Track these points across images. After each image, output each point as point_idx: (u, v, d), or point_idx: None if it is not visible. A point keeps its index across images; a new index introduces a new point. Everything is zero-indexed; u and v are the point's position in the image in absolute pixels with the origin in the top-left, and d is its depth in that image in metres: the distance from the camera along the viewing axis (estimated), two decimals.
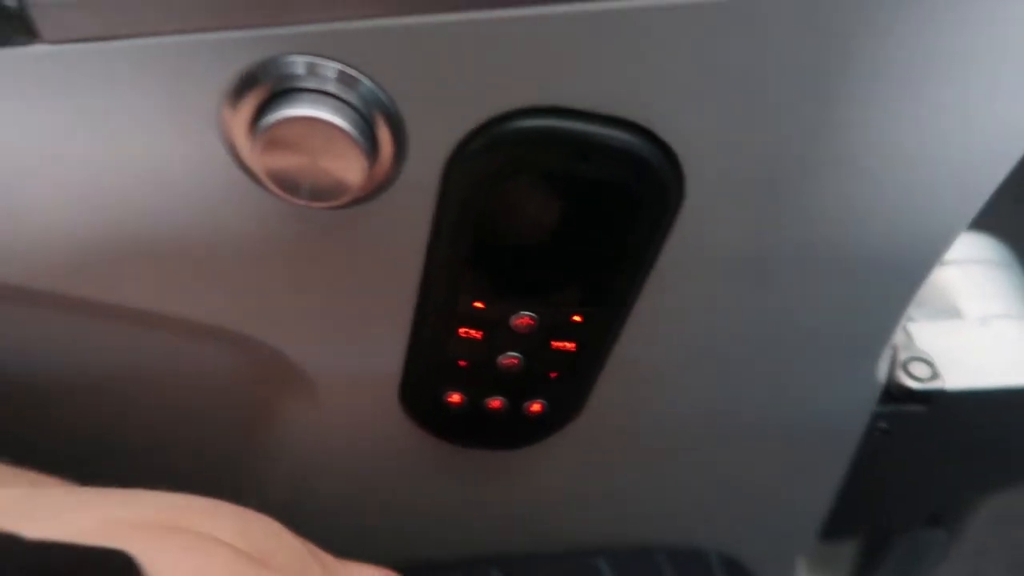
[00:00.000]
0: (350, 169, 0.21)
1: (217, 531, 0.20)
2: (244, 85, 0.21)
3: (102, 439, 0.32)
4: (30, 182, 0.22)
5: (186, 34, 0.20)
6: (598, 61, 0.21)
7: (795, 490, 0.37)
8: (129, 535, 0.18)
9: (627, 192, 0.23)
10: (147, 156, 0.22)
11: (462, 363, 0.29)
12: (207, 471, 0.30)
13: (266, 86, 0.20)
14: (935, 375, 0.33)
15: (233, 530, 0.20)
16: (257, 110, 0.21)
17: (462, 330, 0.27)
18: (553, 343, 0.28)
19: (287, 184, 0.21)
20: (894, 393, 0.33)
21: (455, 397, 0.30)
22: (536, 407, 0.31)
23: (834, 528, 0.40)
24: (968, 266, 0.40)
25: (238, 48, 0.20)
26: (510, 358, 0.28)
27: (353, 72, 0.20)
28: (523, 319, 0.27)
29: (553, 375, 0.29)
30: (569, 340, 0.28)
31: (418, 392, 0.30)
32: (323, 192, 0.22)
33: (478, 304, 0.27)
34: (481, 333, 0.28)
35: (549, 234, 0.25)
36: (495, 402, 0.30)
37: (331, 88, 0.21)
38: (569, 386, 0.30)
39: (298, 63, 0.20)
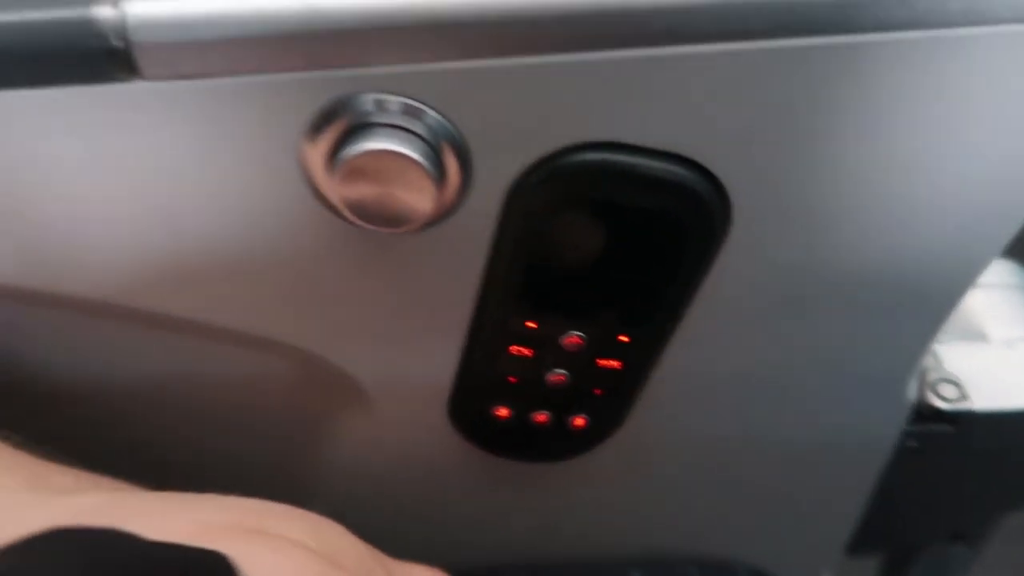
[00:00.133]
0: (421, 198, 0.22)
1: (292, 533, 0.21)
2: (323, 121, 0.22)
3: (160, 446, 0.34)
4: (120, 205, 0.24)
5: (273, 73, 0.21)
6: (653, 101, 0.22)
7: (824, 506, 0.38)
8: (220, 537, 0.19)
9: (676, 222, 0.25)
10: (230, 184, 0.23)
11: (512, 379, 0.30)
12: (259, 479, 0.31)
13: (344, 121, 0.22)
14: (963, 396, 0.34)
15: (306, 532, 0.22)
16: (335, 144, 0.22)
17: (514, 348, 0.29)
18: (599, 361, 0.29)
19: (361, 212, 0.23)
20: (923, 413, 0.34)
21: (503, 411, 0.31)
22: (579, 421, 0.32)
23: (860, 543, 0.41)
24: (992, 290, 0.41)
25: (320, 87, 0.21)
26: (558, 375, 0.30)
27: (425, 108, 0.22)
28: (572, 338, 0.28)
29: (598, 392, 0.31)
30: (615, 359, 0.29)
31: (467, 405, 0.32)
32: (394, 219, 0.23)
33: (530, 324, 0.28)
34: (532, 351, 0.29)
35: (600, 260, 0.26)
36: (541, 416, 0.32)
37: (404, 123, 0.22)
38: (612, 402, 0.31)
39: (375, 100, 0.22)
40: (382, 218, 0.23)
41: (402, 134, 0.22)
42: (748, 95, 0.22)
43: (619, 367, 0.30)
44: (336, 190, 0.22)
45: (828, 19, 0.20)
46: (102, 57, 0.20)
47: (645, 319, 0.28)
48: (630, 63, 0.21)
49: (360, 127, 0.22)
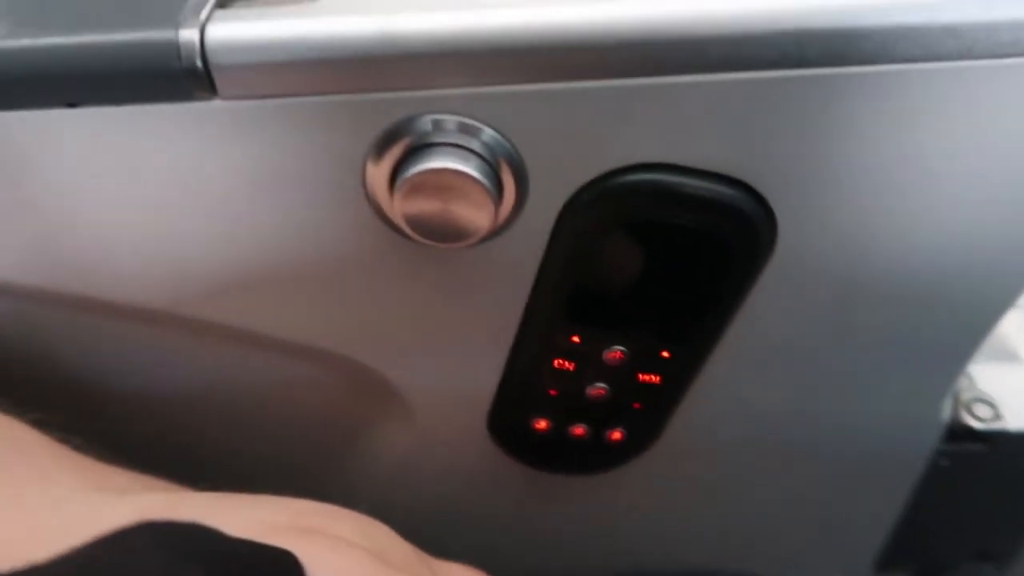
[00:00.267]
0: (479, 214, 0.23)
1: (344, 533, 0.22)
2: (387, 140, 0.23)
3: (204, 450, 0.34)
4: (190, 217, 0.24)
5: (340, 95, 0.22)
6: (704, 125, 0.23)
7: (855, 521, 0.39)
8: (281, 536, 0.20)
9: (723, 241, 0.25)
10: (295, 199, 0.24)
11: (553, 392, 0.31)
12: (301, 485, 0.32)
13: (406, 141, 0.23)
14: (997, 416, 0.35)
15: (356, 532, 0.22)
16: (397, 163, 0.23)
17: (557, 361, 0.29)
18: (640, 376, 0.30)
19: (421, 228, 0.24)
20: (957, 432, 0.35)
21: (542, 424, 0.32)
22: (617, 435, 0.33)
23: (889, 560, 0.42)
24: None
25: (385, 108, 0.22)
26: (598, 389, 0.30)
27: (486, 128, 0.23)
28: (614, 353, 0.29)
29: (637, 406, 0.31)
30: (655, 373, 0.30)
31: (507, 418, 0.32)
32: (453, 234, 0.24)
33: (574, 338, 0.29)
34: (574, 365, 0.30)
35: (645, 276, 0.27)
36: (579, 429, 0.32)
37: (464, 141, 0.23)
38: (650, 416, 0.32)
39: (437, 121, 0.23)
40: (441, 234, 0.24)
41: (462, 152, 0.23)
42: (797, 119, 0.23)
43: (659, 382, 0.30)
44: (397, 207, 0.23)
45: (878, 49, 0.21)
46: (184, 77, 0.21)
47: (687, 335, 0.29)
48: (683, 88, 0.22)
49: (421, 147, 0.23)
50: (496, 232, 0.25)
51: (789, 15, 0.21)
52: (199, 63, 0.21)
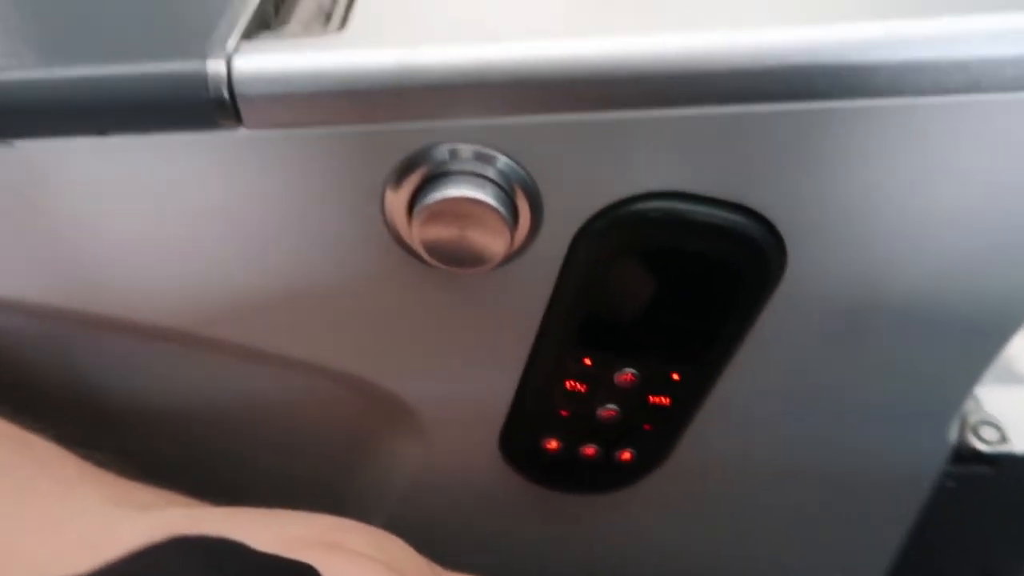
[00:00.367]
0: (495, 240, 0.24)
1: (361, 547, 0.22)
2: (405, 169, 0.23)
3: (223, 465, 0.35)
4: (214, 240, 0.25)
5: (363, 124, 0.23)
6: (716, 155, 0.23)
7: (861, 542, 0.39)
8: (303, 550, 0.21)
9: (733, 267, 0.26)
10: (315, 224, 0.25)
11: (564, 413, 0.31)
12: (314, 501, 0.32)
13: (423, 170, 0.23)
14: (1003, 439, 0.35)
15: (372, 546, 0.23)
16: (416, 189, 0.24)
17: (568, 383, 0.30)
18: (651, 397, 0.30)
19: (439, 254, 0.24)
20: (963, 454, 0.35)
21: (552, 444, 0.32)
22: (626, 455, 0.33)
23: None
24: None
25: (404, 138, 0.23)
26: (609, 410, 0.31)
27: (502, 157, 0.23)
28: (626, 375, 0.29)
29: (647, 427, 0.32)
30: (665, 395, 0.30)
31: (518, 437, 0.33)
32: (469, 260, 0.24)
33: (586, 360, 0.29)
34: (586, 386, 0.30)
35: (656, 301, 0.27)
36: (589, 449, 0.33)
37: (480, 169, 0.23)
38: (659, 436, 0.33)
39: (455, 150, 0.23)
40: (458, 259, 0.24)
41: (478, 180, 0.23)
42: (807, 150, 0.23)
43: (668, 403, 0.31)
44: (415, 233, 0.24)
45: (887, 83, 0.22)
46: (211, 107, 0.22)
47: (697, 359, 0.29)
48: (695, 120, 0.23)
49: (439, 175, 0.23)
50: (511, 258, 0.25)
51: (799, 50, 0.22)
52: (226, 94, 0.22)
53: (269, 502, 0.24)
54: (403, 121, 0.23)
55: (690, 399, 0.31)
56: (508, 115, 0.23)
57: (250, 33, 0.23)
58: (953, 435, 0.34)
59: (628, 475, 0.34)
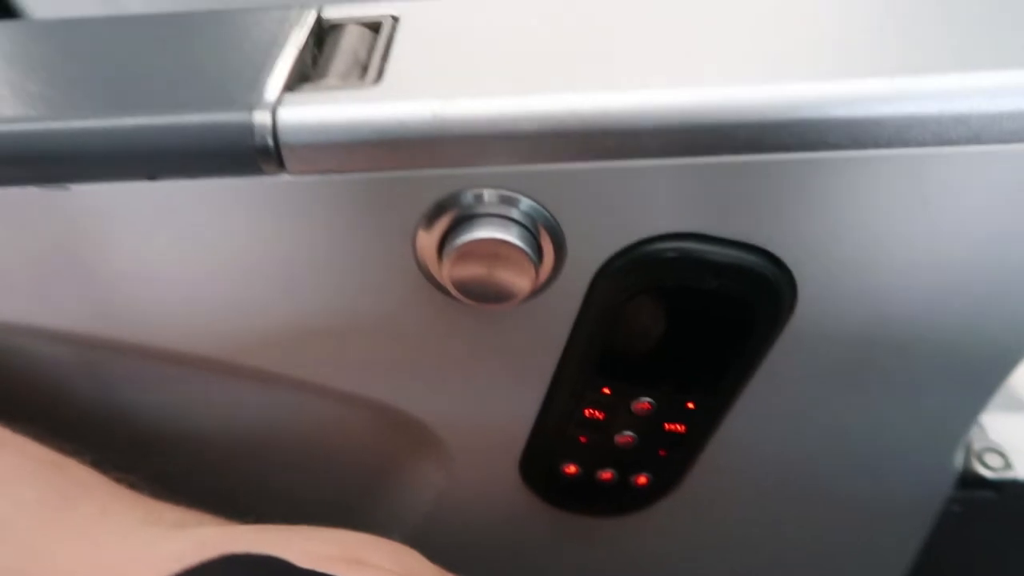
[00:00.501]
0: (521, 278, 0.25)
1: (383, 562, 0.24)
2: (437, 212, 0.25)
3: (252, 486, 0.36)
4: (254, 277, 0.26)
5: (397, 171, 0.24)
6: (732, 200, 0.25)
7: (869, 565, 0.40)
8: (332, 566, 0.22)
9: (746, 303, 0.27)
10: (351, 262, 0.26)
11: (583, 439, 0.32)
12: (337, 522, 0.34)
13: (455, 212, 0.25)
14: (1008, 465, 0.36)
15: (394, 560, 0.24)
16: (446, 231, 0.25)
17: (587, 411, 0.31)
18: (666, 425, 0.32)
19: (467, 291, 0.25)
20: (969, 480, 0.36)
21: (571, 468, 0.34)
22: (642, 479, 0.34)
23: None
24: None
25: (436, 183, 0.24)
26: (626, 436, 0.32)
27: (529, 200, 0.25)
28: (643, 404, 0.31)
29: (662, 453, 0.33)
30: (680, 423, 0.32)
31: (538, 462, 0.34)
32: (496, 296, 0.26)
33: (605, 390, 0.30)
34: (604, 414, 0.31)
35: (672, 334, 0.29)
36: (606, 474, 0.34)
37: (507, 212, 0.25)
38: (674, 462, 0.34)
39: (484, 194, 0.24)
40: (485, 296, 0.26)
41: (505, 222, 0.25)
42: (818, 196, 0.25)
43: (683, 431, 0.32)
44: (446, 272, 0.25)
45: (893, 135, 0.23)
46: (256, 155, 0.23)
47: (711, 387, 0.30)
48: (711, 167, 0.24)
49: (468, 217, 0.25)
50: (535, 294, 0.27)
51: (811, 104, 0.23)
52: (271, 143, 0.23)
53: (292, 522, 0.26)
54: (435, 168, 0.24)
55: (704, 427, 0.32)
56: (533, 163, 0.24)
57: (291, 85, 0.24)
58: (958, 462, 0.35)
59: (643, 499, 0.36)
